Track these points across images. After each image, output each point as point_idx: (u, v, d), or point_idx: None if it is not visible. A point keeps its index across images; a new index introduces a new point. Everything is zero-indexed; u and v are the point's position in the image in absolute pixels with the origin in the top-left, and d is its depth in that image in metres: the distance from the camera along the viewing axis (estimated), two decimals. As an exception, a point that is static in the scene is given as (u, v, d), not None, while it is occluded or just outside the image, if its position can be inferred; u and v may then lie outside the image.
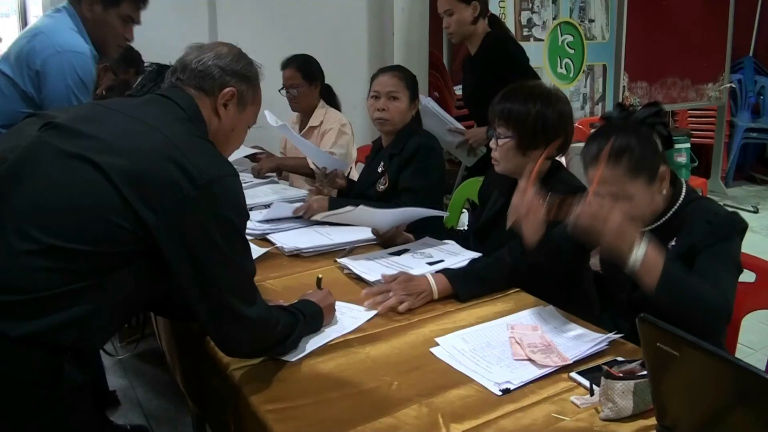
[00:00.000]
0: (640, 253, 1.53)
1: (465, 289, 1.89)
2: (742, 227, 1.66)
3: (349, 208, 2.25)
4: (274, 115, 2.91)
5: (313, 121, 3.48)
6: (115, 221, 1.29)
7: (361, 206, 2.24)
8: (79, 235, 1.28)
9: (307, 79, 3.42)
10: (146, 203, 1.29)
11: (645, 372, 1.27)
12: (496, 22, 3.41)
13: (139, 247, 1.32)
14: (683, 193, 1.74)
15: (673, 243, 1.69)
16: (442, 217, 2.65)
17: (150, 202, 1.29)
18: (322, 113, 3.49)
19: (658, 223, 1.74)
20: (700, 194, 1.78)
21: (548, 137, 2.05)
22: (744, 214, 5.78)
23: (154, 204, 1.29)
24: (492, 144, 2.10)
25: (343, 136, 3.40)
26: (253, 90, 1.61)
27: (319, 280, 1.84)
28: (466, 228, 2.64)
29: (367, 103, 2.78)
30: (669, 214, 1.73)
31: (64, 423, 1.33)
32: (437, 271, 1.94)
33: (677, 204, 1.72)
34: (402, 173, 2.65)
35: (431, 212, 2.35)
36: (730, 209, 1.71)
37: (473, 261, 2.06)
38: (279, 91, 3.42)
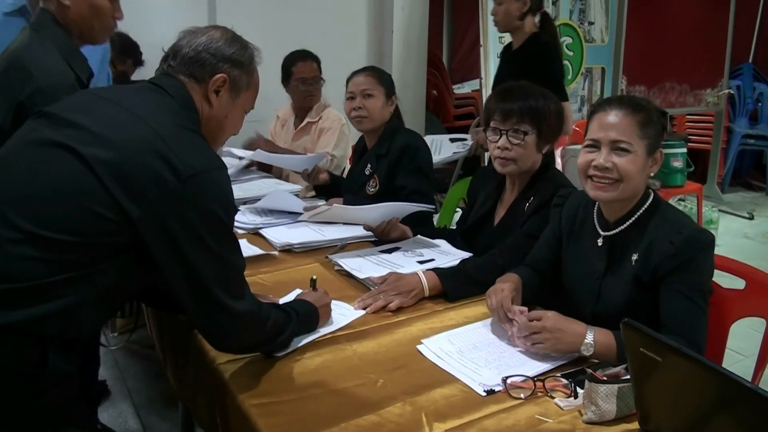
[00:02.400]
0: (589, 347, 1.52)
1: (454, 288, 1.89)
2: (706, 245, 1.62)
3: (323, 207, 2.26)
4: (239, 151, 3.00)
5: (312, 117, 3.46)
6: (98, 212, 1.28)
7: (335, 206, 2.25)
8: (63, 225, 1.27)
9: (321, 75, 3.43)
10: (130, 195, 1.28)
11: (629, 376, 1.28)
12: (547, 23, 3.30)
13: (124, 239, 1.31)
14: (650, 200, 1.71)
15: (636, 257, 1.67)
16: (432, 215, 2.65)
17: (134, 194, 1.28)
18: (321, 109, 3.47)
19: (621, 228, 1.71)
20: (668, 204, 1.74)
21: (561, 131, 2.16)
22: (739, 221, 5.77)
23: (138, 197, 1.28)
24: (503, 144, 2.07)
25: (343, 137, 3.39)
26: (247, 75, 1.57)
27: (313, 281, 1.81)
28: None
29: (344, 106, 2.78)
30: (632, 219, 1.70)
31: (49, 413, 1.32)
32: (428, 270, 1.95)
33: (642, 209, 1.70)
34: (397, 176, 2.63)
35: (416, 207, 2.35)
36: (695, 225, 1.67)
37: (464, 261, 2.07)
38: (286, 83, 3.40)
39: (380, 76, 2.76)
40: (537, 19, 3.25)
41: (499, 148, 2.08)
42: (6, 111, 1.84)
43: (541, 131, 2.06)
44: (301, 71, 3.38)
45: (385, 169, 2.66)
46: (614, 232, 1.73)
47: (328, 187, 2.98)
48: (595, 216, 1.79)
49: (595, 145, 1.67)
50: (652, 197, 1.71)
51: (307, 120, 3.47)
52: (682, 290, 1.59)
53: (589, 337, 1.52)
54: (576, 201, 1.87)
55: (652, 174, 1.68)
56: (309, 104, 3.46)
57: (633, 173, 1.63)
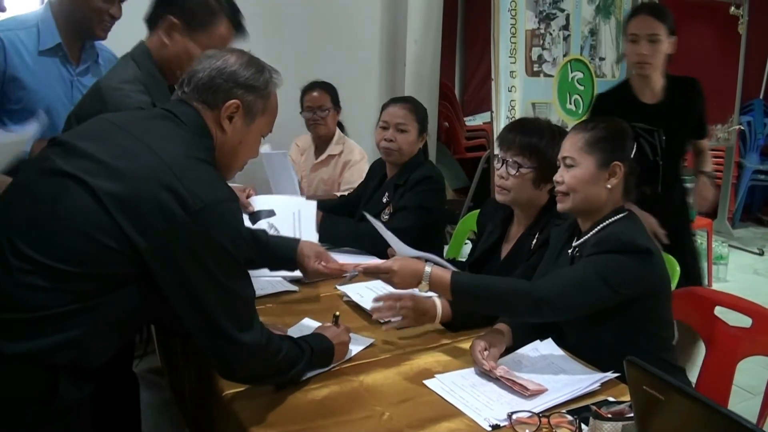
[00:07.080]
0: (425, 284, 1.73)
1: (459, 321, 1.92)
2: (630, 248, 1.68)
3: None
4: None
5: (333, 150, 3.46)
6: (106, 244, 1.29)
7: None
8: (71, 256, 1.28)
9: (334, 103, 3.44)
10: (138, 228, 1.29)
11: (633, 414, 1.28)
12: None
13: (132, 270, 1.32)
14: (621, 215, 1.79)
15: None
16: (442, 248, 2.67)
17: (142, 227, 1.29)
18: (342, 143, 3.50)
19: (586, 237, 1.80)
20: (636, 222, 1.82)
21: None
22: (750, 257, 5.70)
23: (146, 229, 1.29)
24: (502, 173, 2.11)
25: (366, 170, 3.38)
26: (263, 99, 1.54)
27: (336, 318, 1.78)
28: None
29: (375, 131, 2.79)
30: (595, 230, 1.79)
31: None
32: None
33: (608, 221, 1.78)
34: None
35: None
36: (638, 235, 1.74)
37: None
38: (300, 113, 3.43)
39: (417, 110, 2.73)
40: None
41: (498, 175, 2.15)
42: None
43: (539, 169, 2.07)
44: (309, 100, 3.43)
45: (401, 198, 2.68)
46: (580, 241, 1.82)
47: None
48: (575, 230, 1.89)
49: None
50: (625, 214, 1.81)
51: (327, 153, 3.48)
52: (580, 262, 1.72)
53: (427, 270, 1.73)
54: (570, 221, 1.95)
55: (609, 186, 1.77)
56: (315, 132, 3.48)
57: (577, 185, 1.77)
